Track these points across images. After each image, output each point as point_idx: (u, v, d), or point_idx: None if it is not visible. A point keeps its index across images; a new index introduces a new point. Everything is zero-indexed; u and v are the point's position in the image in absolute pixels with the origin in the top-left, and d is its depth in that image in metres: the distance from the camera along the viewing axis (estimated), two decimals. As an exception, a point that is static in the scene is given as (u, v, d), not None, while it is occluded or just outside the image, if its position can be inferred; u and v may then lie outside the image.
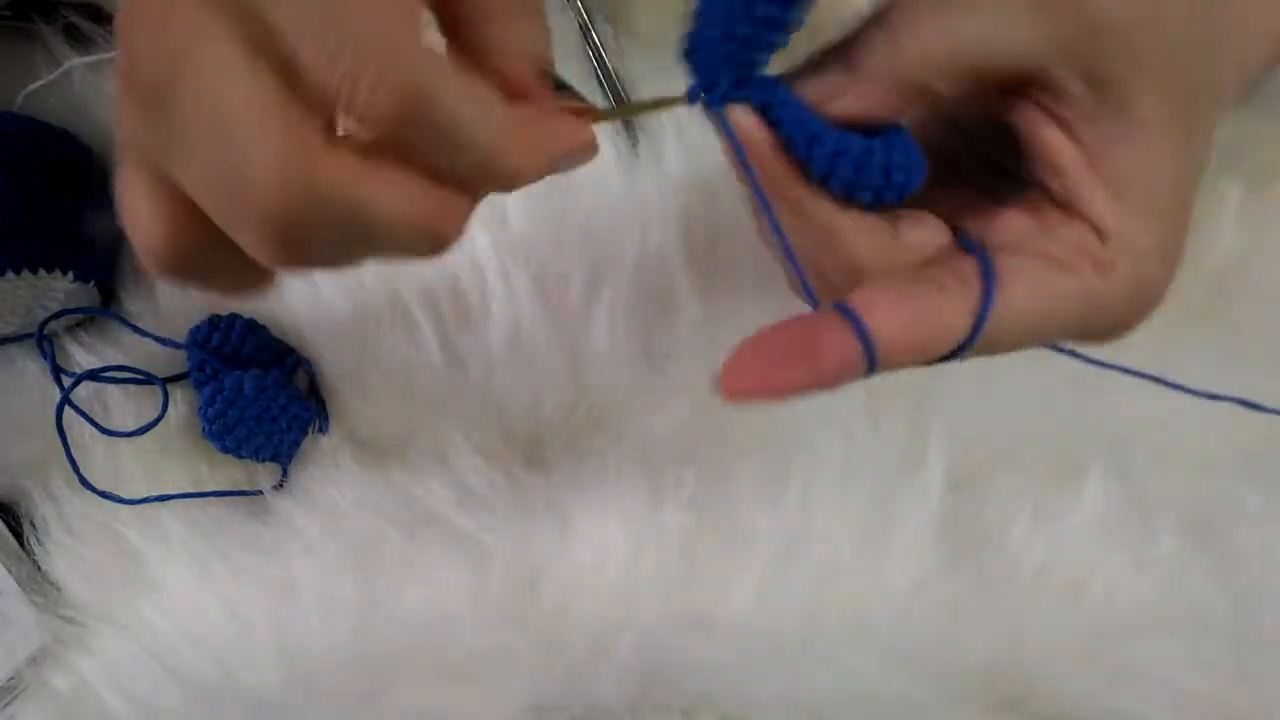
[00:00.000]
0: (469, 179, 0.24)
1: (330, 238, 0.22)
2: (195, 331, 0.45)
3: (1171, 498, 0.43)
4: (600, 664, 0.41)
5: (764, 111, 0.26)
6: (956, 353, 0.28)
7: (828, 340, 0.26)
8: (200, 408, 0.44)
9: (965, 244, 0.29)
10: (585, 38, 0.45)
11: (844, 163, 0.26)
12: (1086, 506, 0.43)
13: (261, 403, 0.44)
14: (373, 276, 0.46)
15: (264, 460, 0.46)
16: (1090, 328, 0.29)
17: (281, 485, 0.46)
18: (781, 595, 0.42)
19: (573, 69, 0.44)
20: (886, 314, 0.26)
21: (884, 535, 0.43)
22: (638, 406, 0.44)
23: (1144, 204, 0.27)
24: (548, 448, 0.45)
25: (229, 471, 0.47)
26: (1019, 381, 0.43)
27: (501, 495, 0.44)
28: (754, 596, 0.42)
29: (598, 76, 0.45)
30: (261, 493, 0.46)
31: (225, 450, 0.45)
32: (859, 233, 0.28)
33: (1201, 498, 0.43)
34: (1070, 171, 0.28)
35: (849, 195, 0.27)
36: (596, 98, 0.45)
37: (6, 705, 0.43)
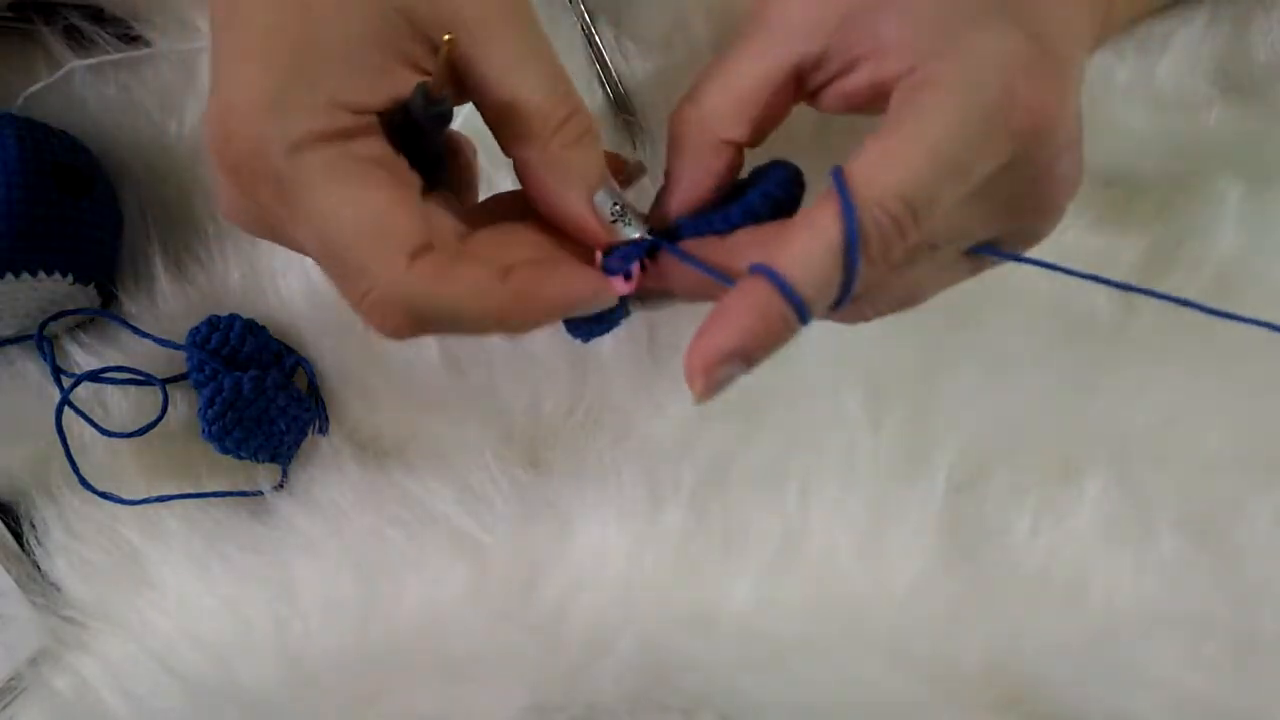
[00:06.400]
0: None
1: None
2: (195, 333, 0.45)
3: (1171, 498, 0.43)
4: (600, 664, 0.41)
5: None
6: (851, 255, 0.27)
7: (747, 295, 0.26)
8: (200, 409, 0.44)
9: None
10: (588, 40, 0.45)
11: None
12: (1086, 506, 0.43)
13: (261, 404, 0.44)
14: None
15: (264, 461, 0.46)
16: (968, 147, 0.27)
17: (281, 486, 0.46)
18: (781, 595, 0.42)
19: (575, 70, 0.44)
20: (789, 253, 0.27)
21: (884, 535, 0.43)
22: (638, 406, 0.44)
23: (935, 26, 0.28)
24: (548, 448, 0.45)
25: (229, 472, 0.47)
26: (1019, 381, 0.43)
27: (501, 495, 0.44)
28: (753, 596, 0.42)
29: (600, 78, 0.45)
30: (261, 493, 0.46)
31: (225, 451, 0.45)
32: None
33: (1201, 498, 0.43)
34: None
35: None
36: (599, 99, 0.45)
37: (6, 705, 0.43)
